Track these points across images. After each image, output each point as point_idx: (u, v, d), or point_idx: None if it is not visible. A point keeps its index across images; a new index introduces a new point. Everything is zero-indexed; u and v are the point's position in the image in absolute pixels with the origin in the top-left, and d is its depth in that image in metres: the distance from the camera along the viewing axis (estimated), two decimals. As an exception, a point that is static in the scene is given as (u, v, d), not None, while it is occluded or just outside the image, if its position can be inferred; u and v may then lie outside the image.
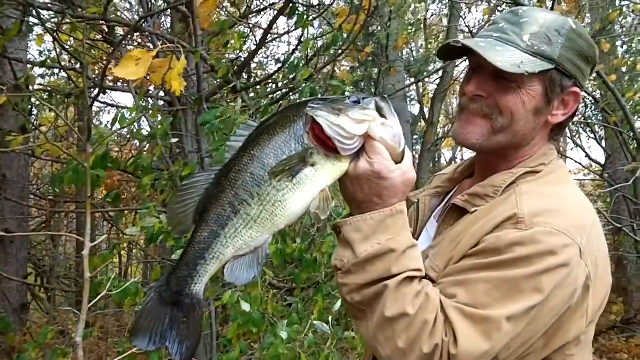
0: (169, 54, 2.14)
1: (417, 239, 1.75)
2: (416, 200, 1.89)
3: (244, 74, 6.64)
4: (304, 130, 1.44)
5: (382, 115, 1.45)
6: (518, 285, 1.39)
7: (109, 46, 5.39)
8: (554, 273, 1.40)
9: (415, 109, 13.50)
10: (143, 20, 3.35)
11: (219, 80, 4.53)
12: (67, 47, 4.44)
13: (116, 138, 8.23)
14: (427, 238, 1.76)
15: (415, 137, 11.70)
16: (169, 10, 5.22)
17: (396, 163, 1.44)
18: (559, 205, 1.51)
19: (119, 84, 5.73)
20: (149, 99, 4.00)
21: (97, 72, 6.18)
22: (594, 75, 6.73)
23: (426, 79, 12.10)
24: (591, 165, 11.02)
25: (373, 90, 8.83)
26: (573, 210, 1.52)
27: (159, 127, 3.39)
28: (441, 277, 1.51)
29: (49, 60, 4.81)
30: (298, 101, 1.80)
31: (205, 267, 1.47)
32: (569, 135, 11.17)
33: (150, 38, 4.66)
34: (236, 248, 1.46)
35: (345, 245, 1.47)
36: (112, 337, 7.73)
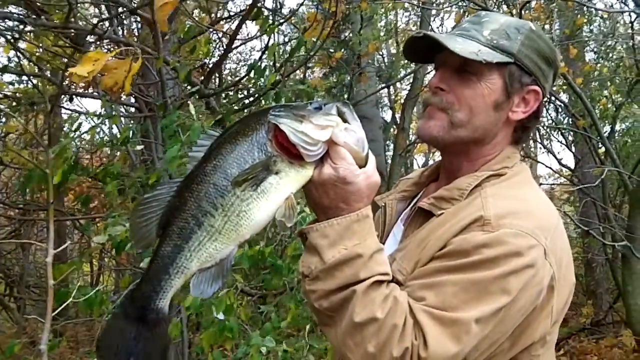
0: (127, 57, 2.12)
1: (383, 243, 1.77)
2: (383, 204, 1.89)
3: (215, 80, 6.64)
4: (267, 137, 1.42)
5: (345, 120, 1.44)
6: (486, 287, 1.39)
7: (78, 53, 5.35)
8: (520, 274, 1.41)
9: (387, 115, 13.59)
10: (102, 25, 3.31)
11: (188, 87, 4.52)
12: (31, 54, 4.40)
13: (86, 146, 8.17)
14: (393, 241, 1.76)
15: (387, 143, 11.75)
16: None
17: (360, 167, 1.44)
18: (523, 207, 1.53)
19: (90, 90, 5.68)
20: (114, 105, 3.96)
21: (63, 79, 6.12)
22: (561, 80, 6.84)
23: (398, 85, 12.20)
24: (562, 170, 11.15)
25: (346, 96, 8.87)
26: (537, 212, 1.54)
27: (124, 133, 3.37)
28: (409, 280, 1.51)
29: (12, 67, 4.74)
30: (259, 109, 1.78)
31: (170, 282, 1.45)
32: (539, 140, 11.31)
33: (118, 44, 4.63)
34: (201, 261, 1.44)
35: (312, 251, 1.47)
36: (83, 347, 7.64)
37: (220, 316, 3.10)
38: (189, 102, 3.05)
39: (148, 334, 1.47)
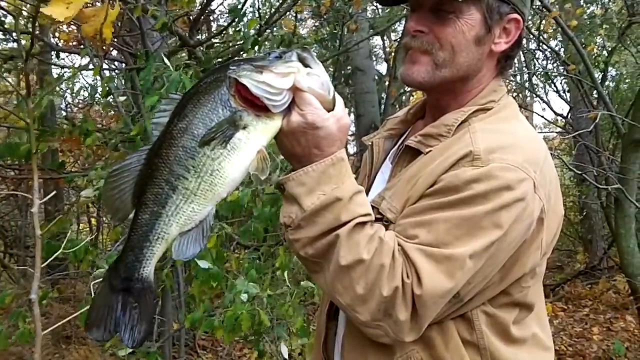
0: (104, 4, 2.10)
1: (372, 182, 1.79)
2: (370, 143, 1.88)
3: (204, 33, 6.58)
4: (229, 93, 1.40)
5: (307, 66, 1.42)
6: (478, 222, 1.40)
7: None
8: (511, 208, 1.41)
9: (382, 68, 13.49)
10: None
11: (176, 41, 4.48)
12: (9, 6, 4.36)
13: (79, 104, 8.14)
14: (382, 180, 1.76)
15: (382, 95, 11.67)
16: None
17: (328, 111, 1.43)
18: (512, 140, 1.52)
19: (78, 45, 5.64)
20: (98, 58, 3.92)
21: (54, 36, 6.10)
22: (554, 26, 6.75)
23: (393, 37, 12.05)
24: (557, 120, 11.12)
25: (338, 48, 8.78)
26: (526, 145, 1.53)
27: (105, 84, 3.35)
28: (400, 218, 1.51)
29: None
30: (219, 65, 1.75)
31: (151, 249, 1.44)
32: (532, 90, 11.26)
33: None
34: (180, 224, 1.43)
35: (291, 201, 1.46)
36: (82, 303, 7.73)
37: (204, 265, 3.12)
38: (162, 54, 3.01)
39: (134, 304, 1.48)
